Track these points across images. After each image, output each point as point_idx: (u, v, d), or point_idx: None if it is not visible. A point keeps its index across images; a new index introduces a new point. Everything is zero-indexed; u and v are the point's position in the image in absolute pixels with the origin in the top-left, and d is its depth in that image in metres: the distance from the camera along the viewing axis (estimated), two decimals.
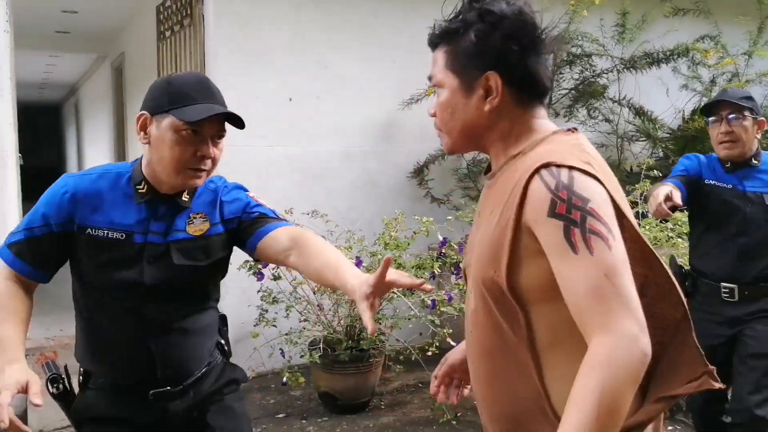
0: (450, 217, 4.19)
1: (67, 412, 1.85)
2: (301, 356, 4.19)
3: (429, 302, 3.74)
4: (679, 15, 5.73)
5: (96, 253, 1.72)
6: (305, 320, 4.24)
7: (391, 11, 5.17)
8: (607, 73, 5.22)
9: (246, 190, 1.90)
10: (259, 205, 1.86)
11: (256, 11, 4.78)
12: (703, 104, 3.12)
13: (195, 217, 1.78)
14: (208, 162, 1.71)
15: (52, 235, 1.71)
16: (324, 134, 5.02)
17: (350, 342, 4.04)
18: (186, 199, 1.77)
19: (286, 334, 4.19)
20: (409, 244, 4.19)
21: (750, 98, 2.85)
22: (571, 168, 1.18)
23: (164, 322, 1.77)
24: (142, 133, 1.71)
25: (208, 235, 1.78)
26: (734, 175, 2.86)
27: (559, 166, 1.18)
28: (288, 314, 4.18)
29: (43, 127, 19.92)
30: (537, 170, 1.19)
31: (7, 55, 4.04)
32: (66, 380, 1.87)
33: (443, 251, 4.17)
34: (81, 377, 1.88)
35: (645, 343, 1.10)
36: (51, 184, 1.77)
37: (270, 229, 1.78)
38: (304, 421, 4.12)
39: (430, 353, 3.78)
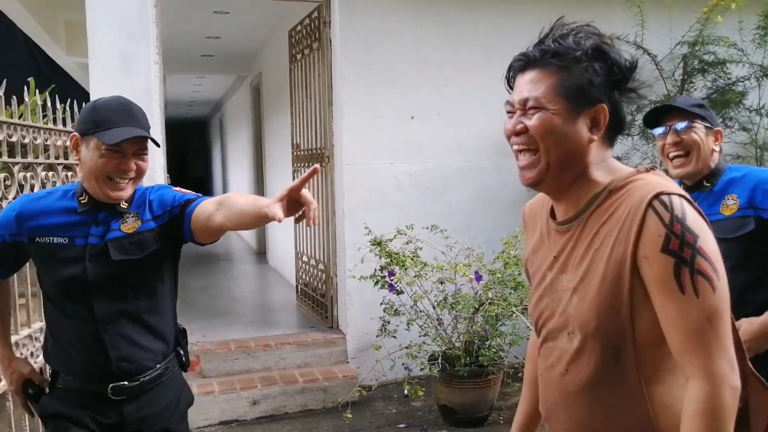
0: None
1: (36, 407, 2.11)
2: (421, 369, 4.30)
3: None
4: None
5: (46, 257, 1.98)
6: (425, 334, 4.34)
7: (512, 30, 5.18)
8: (743, 81, 4.93)
9: (171, 188, 2.07)
10: (184, 194, 2.02)
11: (380, 34, 4.96)
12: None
13: (128, 217, 2.00)
14: (131, 173, 1.94)
15: (5, 245, 2.01)
16: (444, 150, 5.11)
17: (468, 358, 4.09)
18: (125, 206, 2.00)
19: (407, 347, 4.31)
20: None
21: (702, 106, 2.46)
22: (681, 197, 1.24)
23: (113, 315, 1.96)
24: (74, 151, 1.98)
25: (140, 231, 1.98)
26: None
27: (670, 194, 1.23)
28: (409, 327, 4.31)
29: (191, 141, 21.34)
30: (650, 202, 1.24)
31: (157, 84, 4.45)
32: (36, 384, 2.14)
33: None
34: (50, 377, 2.08)
35: (736, 380, 1.22)
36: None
37: (196, 205, 1.97)
38: None
39: None
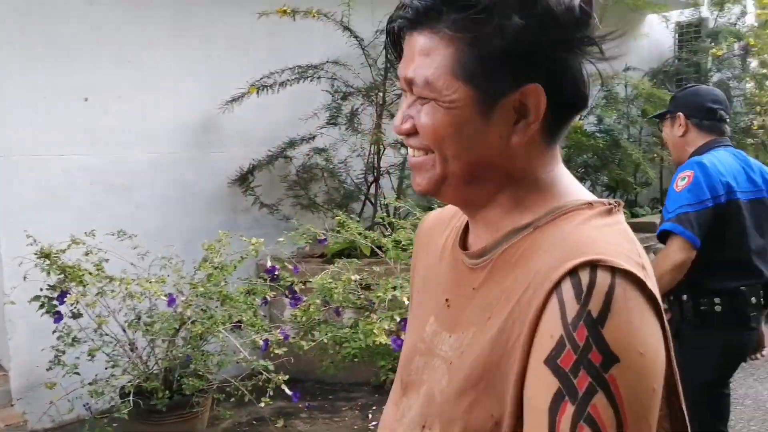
0: (282, 239, 3.72)
1: None
2: (111, 405, 3.56)
3: (261, 343, 3.25)
4: None
5: None
6: (114, 365, 3.58)
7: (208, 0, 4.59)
8: None
9: None
10: None
11: None
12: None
13: None
14: None
15: None
16: (129, 140, 4.34)
17: (168, 391, 3.44)
18: None
19: (90, 383, 3.52)
20: (235, 267, 3.68)
21: (673, 98, 2.69)
22: (621, 274, 0.75)
23: None
24: None
25: None
26: None
27: (600, 265, 0.75)
28: (92, 357, 3.52)
29: None
30: (560, 280, 0.76)
31: None
32: None
33: (276, 274, 3.71)
34: None
35: None
36: None
37: None
38: None
39: (268, 397, 3.28)
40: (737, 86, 7.70)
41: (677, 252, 2.35)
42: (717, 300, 2.47)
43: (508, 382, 0.78)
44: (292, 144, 4.74)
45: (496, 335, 0.81)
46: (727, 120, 2.62)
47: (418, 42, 0.85)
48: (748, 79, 7.77)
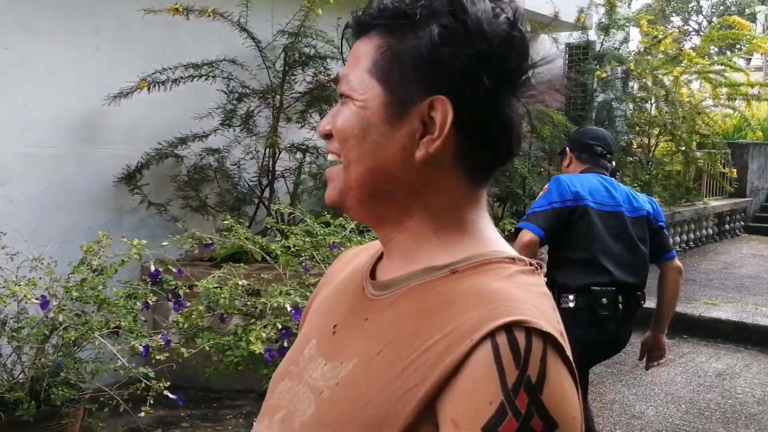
0: (166, 243, 3.58)
1: None
2: None
3: (141, 349, 3.10)
4: None
5: None
6: None
7: None
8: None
9: None
10: None
11: None
12: None
13: None
14: None
15: None
16: (4, 132, 4.05)
17: (34, 402, 3.22)
18: None
19: None
20: (116, 270, 3.50)
21: (568, 137, 3.28)
22: (548, 337, 0.73)
23: None
24: None
25: None
26: None
27: (533, 328, 0.73)
28: None
29: None
30: (492, 332, 0.72)
31: None
32: None
33: (160, 278, 3.56)
34: None
35: None
36: None
37: None
38: None
39: (148, 406, 3.13)
40: (618, 107, 8.14)
41: (523, 236, 2.76)
42: (571, 297, 2.78)
43: (394, 428, 0.73)
44: (184, 141, 4.57)
45: (391, 379, 0.75)
46: (606, 155, 3.03)
47: (357, 48, 0.85)
48: (628, 101, 8.22)
